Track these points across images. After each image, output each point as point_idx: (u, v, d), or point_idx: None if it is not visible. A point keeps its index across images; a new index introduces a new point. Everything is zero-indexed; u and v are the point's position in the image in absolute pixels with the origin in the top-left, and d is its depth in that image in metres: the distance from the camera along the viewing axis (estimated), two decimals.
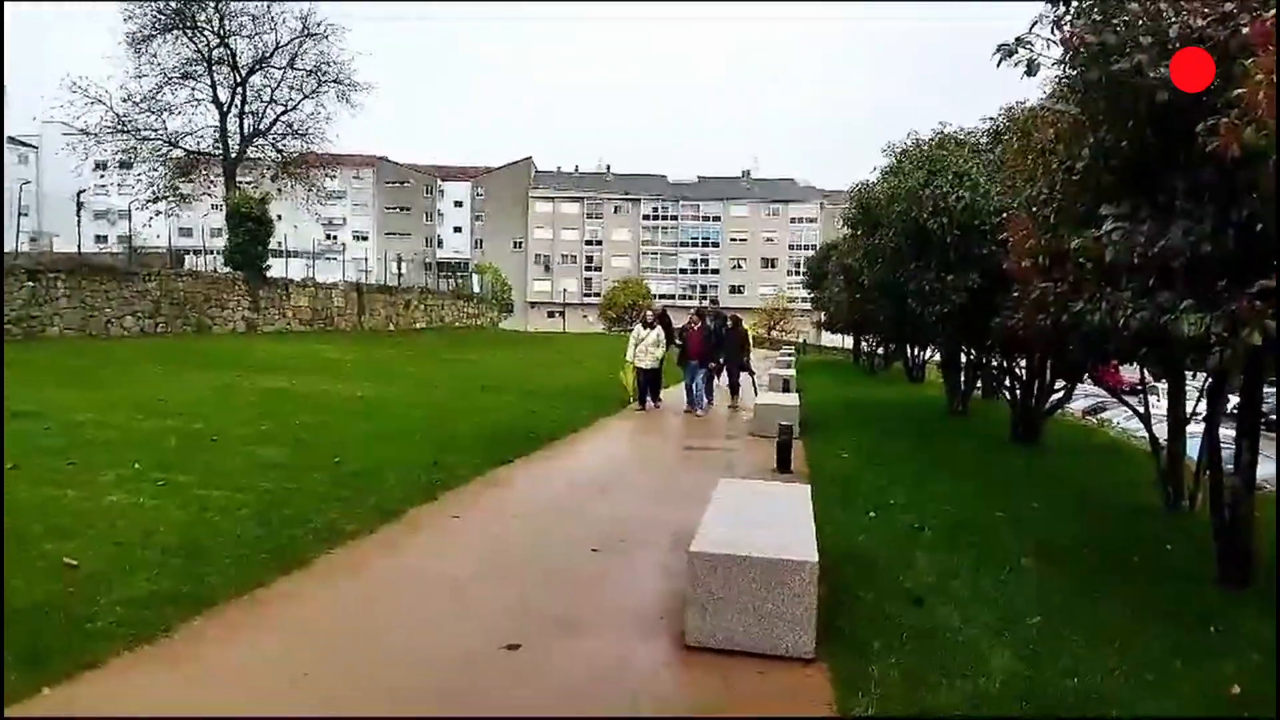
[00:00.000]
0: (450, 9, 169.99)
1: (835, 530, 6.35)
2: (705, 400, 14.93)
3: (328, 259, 46.59)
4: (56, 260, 23.37)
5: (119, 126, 31.96)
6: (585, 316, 80.00)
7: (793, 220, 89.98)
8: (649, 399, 14.93)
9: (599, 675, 4.03)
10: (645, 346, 14.63)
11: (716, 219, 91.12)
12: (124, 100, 31.59)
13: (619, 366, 15.46)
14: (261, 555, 5.29)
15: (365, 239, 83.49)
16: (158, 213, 34.02)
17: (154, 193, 33.21)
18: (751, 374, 16.95)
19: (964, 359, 15.63)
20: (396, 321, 36.09)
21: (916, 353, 25.88)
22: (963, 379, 15.98)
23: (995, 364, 14.23)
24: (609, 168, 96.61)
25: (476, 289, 49.62)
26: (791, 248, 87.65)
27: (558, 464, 9.74)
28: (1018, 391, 12.77)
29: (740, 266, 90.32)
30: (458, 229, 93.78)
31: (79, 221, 28.81)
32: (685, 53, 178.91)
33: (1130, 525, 7.63)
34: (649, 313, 15.58)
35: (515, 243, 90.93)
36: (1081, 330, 5.88)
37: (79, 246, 26.91)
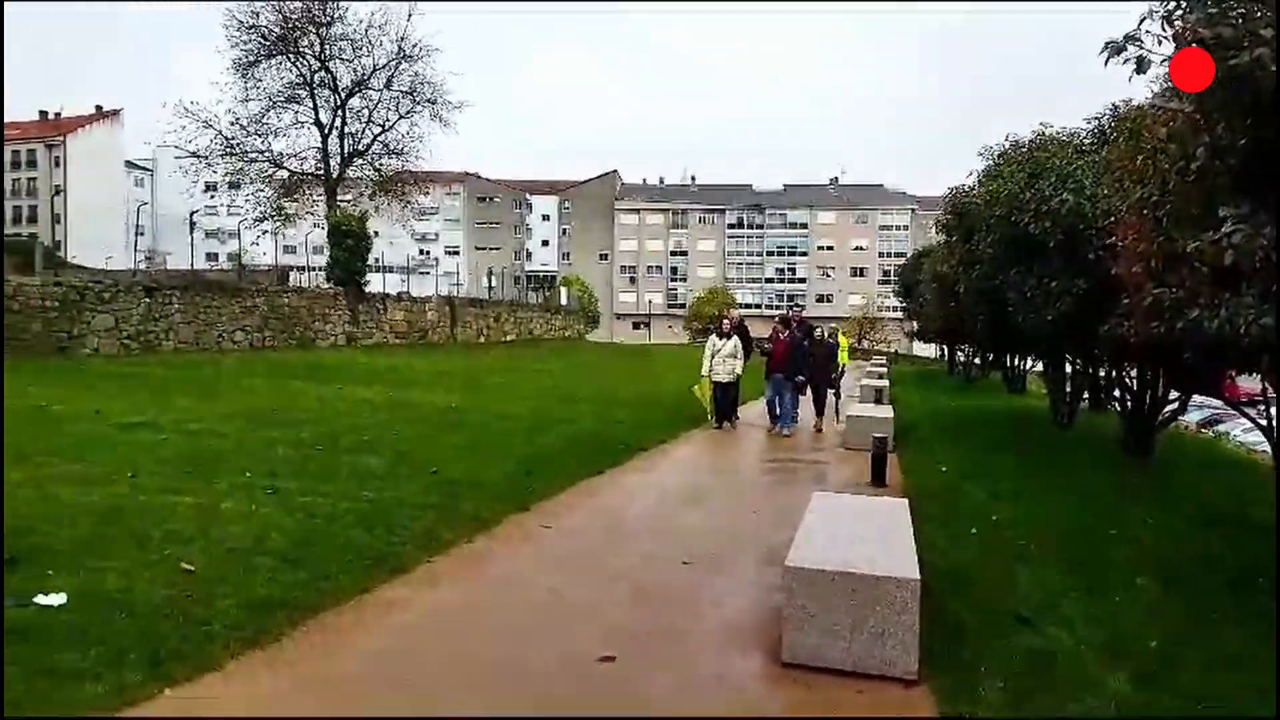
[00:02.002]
0: (529, 24, 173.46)
1: (936, 547, 6.16)
2: (791, 418, 13.77)
3: (421, 274, 47.98)
4: (171, 277, 24.77)
5: (228, 149, 33.63)
6: (670, 327, 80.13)
7: (882, 227, 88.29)
8: (732, 415, 13.97)
9: (695, 690, 4.00)
10: (722, 358, 13.62)
11: (803, 227, 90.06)
12: (232, 124, 33.27)
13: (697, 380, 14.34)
14: (365, 562, 5.45)
15: (457, 253, 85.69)
16: (264, 231, 35.65)
17: (261, 212, 34.81)
18: (838, 394, 15.65)
19: (1069, 368, 14.96)
20: (487, 334, 36.85)
21: (1016, 362, 24.96)
22: (1068, 389, 15.29)
23: (1103, 374, 13.58)
24: (693, 178, 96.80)
25: (564, 301, 50.29)
26: (881, 255, 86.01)
27: (646, 476, 9.74)
28: (1128, 402, 12.16)
29: (828, 275, 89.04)
30: (545, 242, 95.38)
31: (192, 240, 30.49)
32: (771, 62, 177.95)
33: (1253, 544, 7.15)
34: (725, 322, 14.42)
35: (601, 255, 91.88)
36: (1198, 338, 5.56)
37: (192, 264, 28.45)
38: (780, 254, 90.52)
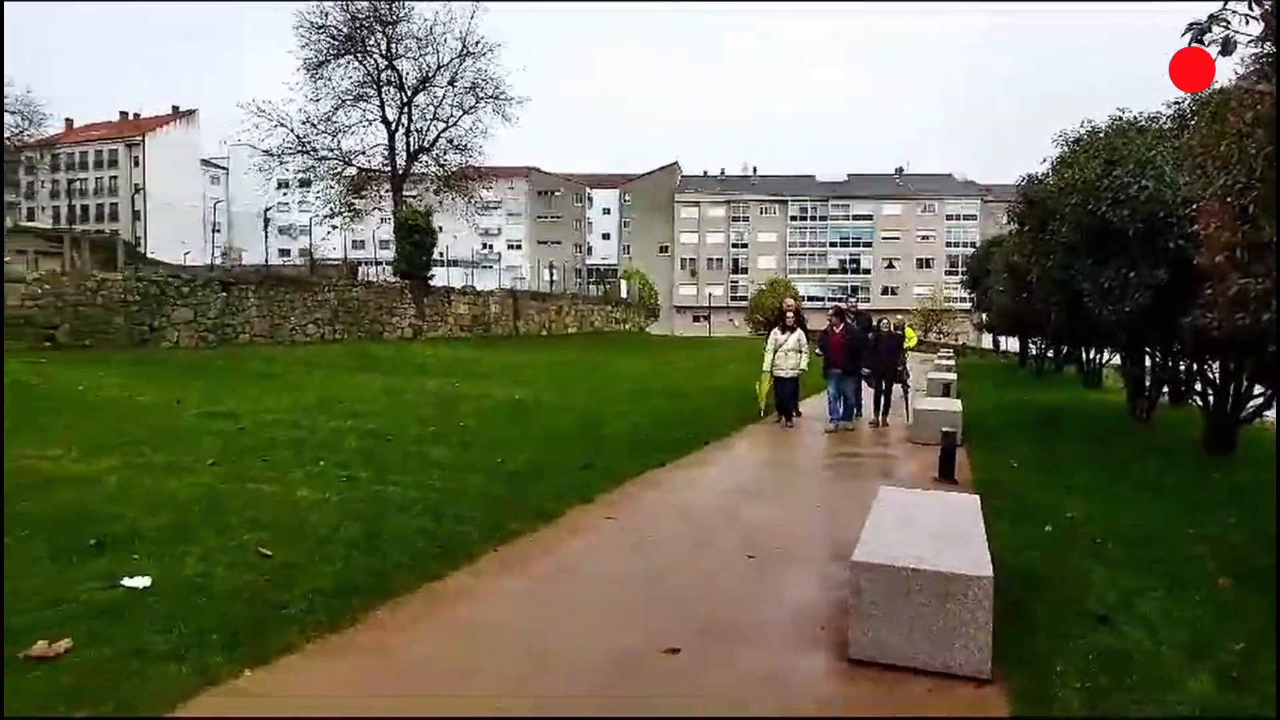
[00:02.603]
0: (590, 18, 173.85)
1: (1008, 543, 6.01)
2: (853, 414, 13.20)
3: (484, 268, 48.64)
4: (246, 272, 25.55)
5: (299, 147, 34.55)
6: (731, 320, 79.67)
7: (949, 217, 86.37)
8: (792, 412, 13.41)
9: (760, 684, 3.98)
10: (785, 352, 13.06)
11: (868, 218, 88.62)
12: (303, 123, 34.17)
13: (758, 375, 13.76)
14: (434, 551, 5.56)
15: (519, 247, 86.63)
16: (334, 227, 36.52)
17: (330, 208, 35.66)
18: (906, 388, 14.54)
19: (1148, 362, 14.41)
20: (549, 327, 37.19)
21: (1092, 355, 24.16)
22: (1147, 384, 14.73)
23: (1184, 367, 13.06)
24: (755, 170, 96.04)
25: (624, 294, 50.41)
26: (948, 245, 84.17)
27: (708, 469, 9.72)
28: (1210, 398, 11.67)
29: (893, 266, 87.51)
30: (606, 235, 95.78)
31: (266, 236, 31.30)
32: (831, 51, 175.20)
33: None
34: (789, 314, 13.57)
35: (661, 248, 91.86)
36: None
37: (266, 259, 29.24)
38: (843, 245, 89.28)
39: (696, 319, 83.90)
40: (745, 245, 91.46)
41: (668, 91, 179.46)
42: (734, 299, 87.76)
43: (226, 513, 5.99)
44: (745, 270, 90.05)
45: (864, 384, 13.69)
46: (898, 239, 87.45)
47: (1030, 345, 33.97)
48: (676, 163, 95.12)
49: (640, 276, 56.16)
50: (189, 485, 6.71)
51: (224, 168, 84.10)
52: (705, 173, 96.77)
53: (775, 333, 13.46)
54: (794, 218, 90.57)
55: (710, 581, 5.49)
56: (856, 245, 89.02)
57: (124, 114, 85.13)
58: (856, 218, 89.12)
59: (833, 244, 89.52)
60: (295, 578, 4.81)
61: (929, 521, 5.16)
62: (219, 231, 75.92)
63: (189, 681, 3.56)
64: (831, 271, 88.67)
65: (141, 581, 4.52)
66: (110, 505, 5.97)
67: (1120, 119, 11.80)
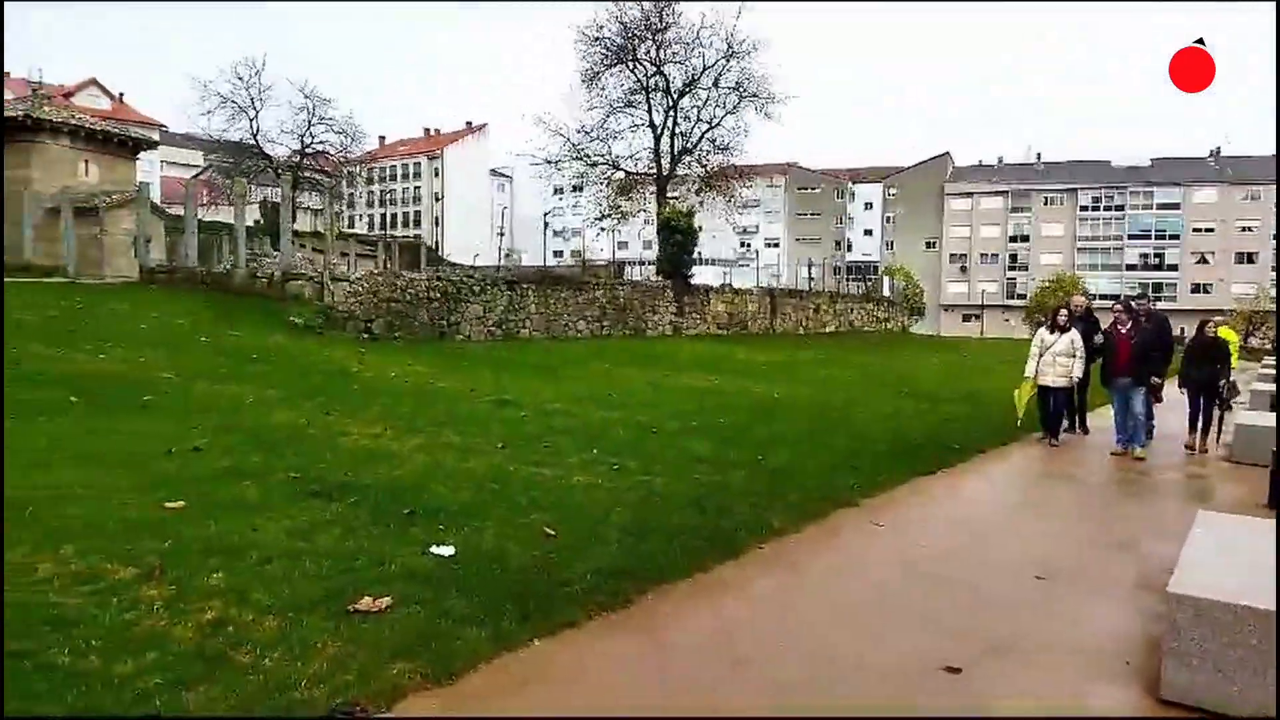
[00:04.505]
0: (857, 9, 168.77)
1: None
2: (1143, 433, 10.83)
3: (741, 266, 49.02)
4: (526, 273, 27.65)
5: (574, 155, 36.86)
6: (1006, 320, 74.11)
7: None
8: (1060, 427, 11.61)
9: (1057, 715, 3.65)
10: (1053, 355, 11.26)
11: (1174, 207, 78.41)
12: (578, 131, 36.41)
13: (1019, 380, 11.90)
14: (699, 542, 5.68)
15: (776, 245, 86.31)
16: (602, 229, 38.57)
17: (600, 211, 37.71)
18: (1225, 405, 11.80)
19: None
20: (806, 325, 36.71)
21: None
22: None
23: None
24: (1039, 156, 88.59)
25: (886, 292, 48.53)
26: (1277, 237, 72.43)
27: (982, 479, 9.10)
28: None
29: (1206, 261, 76.80)
30: (868, 231, 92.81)
31: (545, 239, 33.69)
32: (1130, 26, 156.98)
33: None
34: (1061, 313, 11.72)
35: (928, 243, 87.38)
36: None
37: (544, 260, 31.50)
38: (1144, 238, 79.71)
39: (966, 318, 78.95)
40: (1026, 239, 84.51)
41: (938, 80, 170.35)
42: (1011, 296, 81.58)
43: (514, 493, 6.51)
44: (1025, 266, 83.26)
45: (1156, 397, 11.27)
46: (1212, 230, 76.60)
47: None
48: (948, 153, 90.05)
49: (904, 273, 53.80)
50: (483, 465, 7.37)
51: (508, 176, 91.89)
52: (980, 162, 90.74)
53: (1043, 333, 11.67)
54: (1084, 208, 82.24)
55: (992, 599, 5.12)
56: (1160, 238, 79.12)
57: (427, 130, 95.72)
58: (1161, 207, 79.18)
59: (1131, 236, 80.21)
60: (575, 558, 5.11)
61: (1259, 553, 4.46)
62: (503, 235, 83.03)
63: (487, 645, 3.90)
64: (1129, 267, 79.52)
65: (446, 550, 5.03)
66: (420, 479, 6.71)
67: None
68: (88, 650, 3.49)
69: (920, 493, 8.14)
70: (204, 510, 5.42)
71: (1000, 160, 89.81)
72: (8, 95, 37.22)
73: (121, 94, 71.75)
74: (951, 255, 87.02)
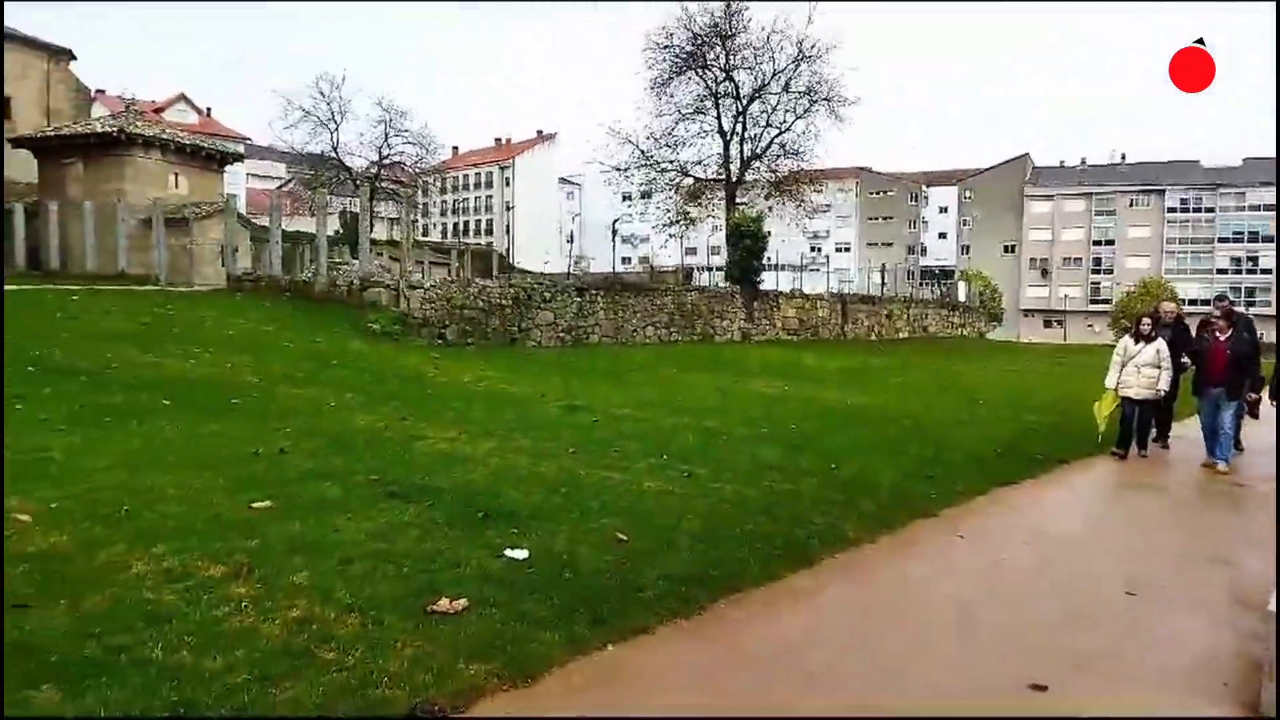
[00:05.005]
0: (927, 10, 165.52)
1: None
2: (1229, 446, 10.33)
3: (811, 271, 48.43)
4: (595, 279, 27.85)
5: (642, 162, 37.00)
6: (1090, 326, 71.61)
7: None
8: (1143, 442, 10.90)
9: None
10: (1136, 366, 10.66)
11: (1269, 209, 74.72)
12: (647, 138, 36.55)
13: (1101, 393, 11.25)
14: (772, 550, 5.61)
15: (847, 250, 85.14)
16: (670, 236, 38.61)
17: (668, 217, 37.75)
18: None
19: None
20: (879, 331, 36.07)
21: None
22: None
23: None
24: (1123, 157, 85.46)
25: (962, 297, 47.39)
26: None
27: (1067, 491, 8.80)
28: None
29: None
30: (942, 235, 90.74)
31: (614, 245, 33.88)
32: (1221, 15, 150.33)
33: None
34: (1145, 321, 11.12)
35: (1006, 247, 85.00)
36: None
37: (613, 266, 31.68)
38: (1236, 240, 76.15)
39: (1048, 324, 76.61)
40: (1110, 242, 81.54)
41: (1017, 78, 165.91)
42: (1094, 301, 78.80)
43: (585, 497, 6.54)
44: (1110, 270, 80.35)
45: (1253, 412, 10.93)
46: None
47: None
48: (1027, 154, 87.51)
49: (981, 278, 52.40)
50: (554, 469, 7.42)
51: (577, 184, 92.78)
52: (1062, 163, 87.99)
53: (1126, 341, 11.10)
54: (1172, 210, 78.96)
55: (1080, 614, 4.92)
56: (1254, 240, 75.45)
57: (498, 140, 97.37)
58: (1254, 208, 75.51)
59: (1222, 239, 76.70)
60: (646, 563, 5.10)
61: None
62: (571, 242, 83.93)
63: (561, 649, 3.92)
64: (1220, 271, 76.03)
65: (520, 554, 5.07)
66: (493, 483, 6.79)
67: None
68: (179, 645, 3.62)
69: (1001, 503, 7.91)
70: (288, 510, 5.59)
71: (1083, 161, 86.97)
72: (103, 112, 39.27)
73: (209, 108, 74.93)
74: (1031, 259, 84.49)
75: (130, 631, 3.71)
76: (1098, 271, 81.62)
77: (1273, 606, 3.77)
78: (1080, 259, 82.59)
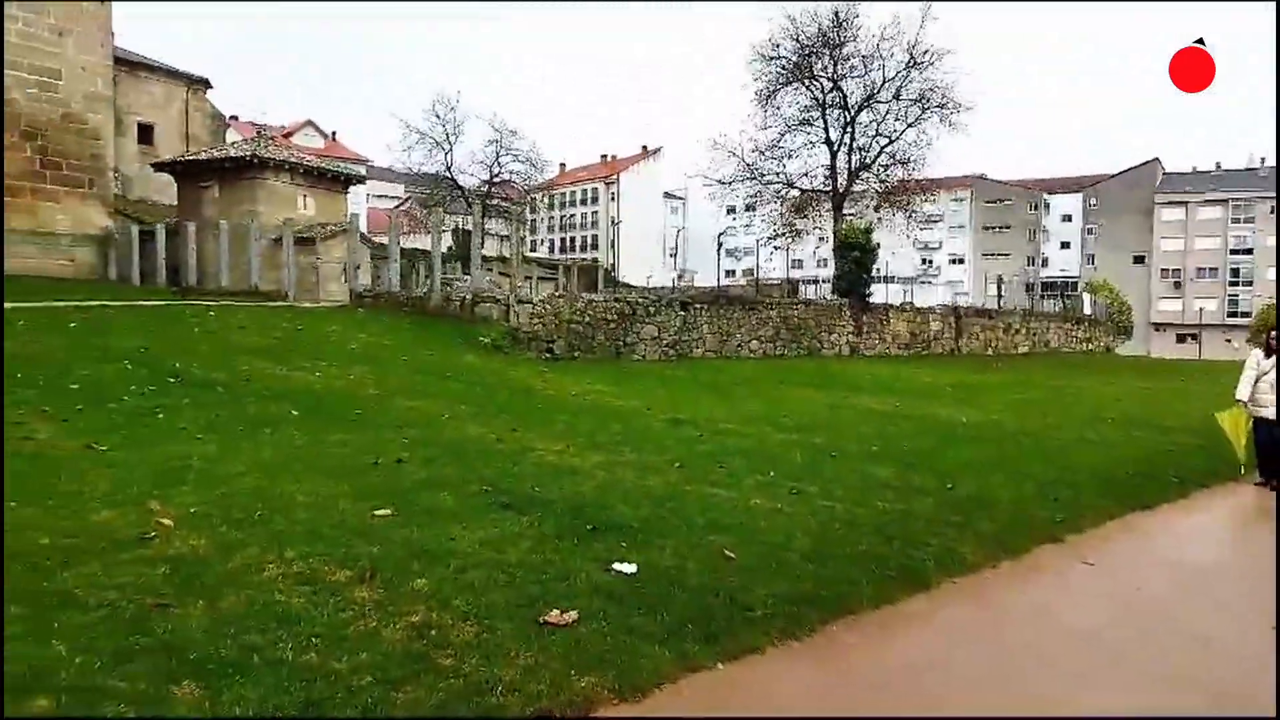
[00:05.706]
0: (1050, 11, 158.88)
1: None
2: None
3: (923, 283, 47.07)
4: (699, 293, 27.83)
5: (747, 174, 36.83)
6: (1229, 340, 66.95)
7: None
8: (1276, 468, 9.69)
9: None
10: (1270, 383, 9.81)
11: None
12: (752, 151, 36.37)
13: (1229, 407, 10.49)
14: (887, 572, 5.45)
15: (961, 262, 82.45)
16: (776, 248, 38.27)
17: (774, 230, 37.42)
18: None
19: None
20: (995, 346, 34.69)
21: None
22: None
23: None
24: (1262, 160, 79.76)
25: (1087, 310, 45.05)
26: None
27: (1207, 516, 8.24)
28: None
29: None
30: (1065, 244, 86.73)
31: (718, 259, 33.80)
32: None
33: None
34: (1275, 333, 10.26)
35: (1135, 257, 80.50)
36: None
37: (717, 280, 31.59)
38: None
39: (1181, 338, 72.06)
40: (1249, 251, 76.21)
41: (1143, 81, 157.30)
42: (1233, 315, 73.71)
43: (691, 512, 6.51)
44: (1249, 282, 75.05)
45: None
46: None
47: None
48: (1156, 159, 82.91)
49: (1108, 289, 49.72)
50: (660, 484, 7.43)
51: (681, 198, 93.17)
52: (1195, 168, 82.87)
53: (1257, 354, 10.26)
54: None
55: (1219, 649, 4.60)
56: None
57: (603, 156, 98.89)
58: None
59: None
60: (755, 581, 5.04)
61: None
62: (675, 256, 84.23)
63: (671, 665, 3.91)
64: None
65: (629, 568, 5.09)
66: (600, 495, 6.86)
67: None
68: (308, 646, 3.79)
69: (1133, 529, 7.46)
70: (407, 518, 5.79)
71: (1217, 165, 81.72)
72: (237, 138, 41.93)
73: (334, 132, 79.03)
74: (1163, 270, 79.80)
75: (263, 632, 3.91)
76: (1235, 283, 76.36)
77: None
78: (1216, 269, 77.50)
